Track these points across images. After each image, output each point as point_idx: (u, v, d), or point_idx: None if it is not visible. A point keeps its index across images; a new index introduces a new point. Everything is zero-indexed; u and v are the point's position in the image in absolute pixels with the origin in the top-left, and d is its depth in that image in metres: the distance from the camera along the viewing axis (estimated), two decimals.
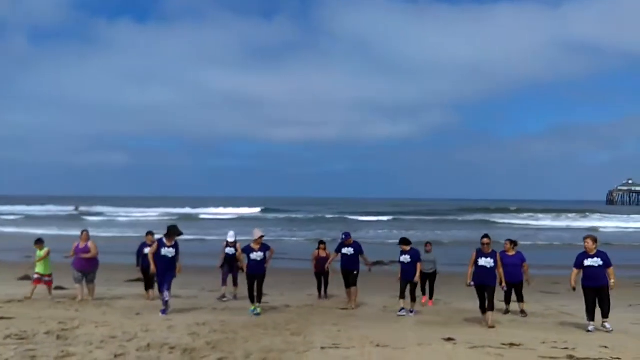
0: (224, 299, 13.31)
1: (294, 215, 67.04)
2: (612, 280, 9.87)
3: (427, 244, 13.75)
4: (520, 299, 11.84)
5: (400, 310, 11.54)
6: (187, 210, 73.11)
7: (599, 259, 9.90)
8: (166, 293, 11.01)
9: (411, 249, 11.77)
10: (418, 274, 11.65)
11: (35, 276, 12.81)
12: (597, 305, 9.95)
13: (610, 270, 9.91)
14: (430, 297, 13.33)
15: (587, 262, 9.94)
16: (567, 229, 48.33)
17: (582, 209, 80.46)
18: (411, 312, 11.58)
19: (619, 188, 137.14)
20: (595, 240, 10.13)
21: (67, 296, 13.17)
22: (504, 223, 56.00)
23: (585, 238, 10.25)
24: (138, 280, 16.09)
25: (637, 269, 21.85)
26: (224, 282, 13.66)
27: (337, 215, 65.91)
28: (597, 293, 9.91)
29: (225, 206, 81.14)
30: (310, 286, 14.91)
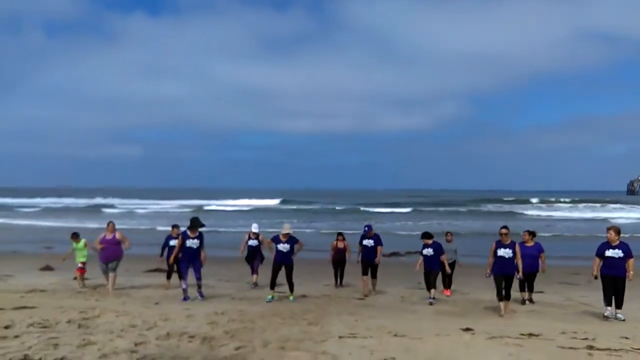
0: (253, 287, 13.78)
1: (309, 207, 67.09)
2: (631, 272, 9.93)
3: (447, 233, 13.92)
4: (530, 289, 12.00)
5: (430, 298, 11.76)
6: (203, 202, 73.43)
7: (620, 251, 10.01)
8: (198, 280, 11.76)
9: (433, 242, 12.08)
10: (447, 265, 12.21)
11: (80, 265, 13.34)
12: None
13: (630, 262, 9.97)
14: (449, 287, 13.32)
15: (609, 253, 10.05)
16: (586, 220, 47.73)
17: (603, 199, 79.61)
18: (431, 300, 11.73)
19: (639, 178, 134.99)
20: (618, 232, 10.21)
21: (88, 286, 13.36)
22: (521, 214, 55.48)
23: (608, 229, 10.32)
24: (156, 270, 16.35)
25: None
26: (253, 271, 14.09)
27: (350, 207, 65.69)
28: (614, 283, 10.02)
29: (239, 198, 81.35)
30: (327, 277, 14.94)
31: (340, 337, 8.05)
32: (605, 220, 42.04)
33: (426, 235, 12.24)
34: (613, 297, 10.07)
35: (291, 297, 11.98)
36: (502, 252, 10.57)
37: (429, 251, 11.94)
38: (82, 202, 74.97)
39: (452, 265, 13.13)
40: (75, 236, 13.51)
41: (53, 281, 14.18)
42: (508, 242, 10.63)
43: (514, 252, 10.58)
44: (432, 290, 11.86)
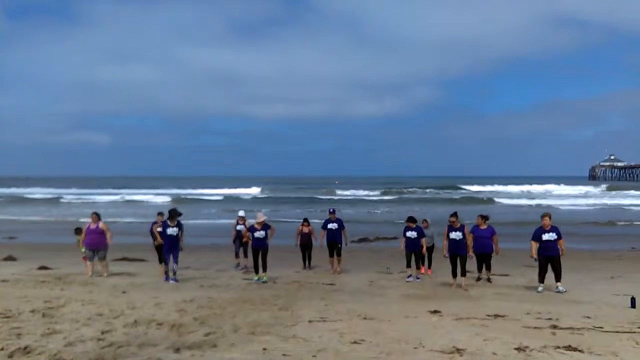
0: (239, 268, 14.85)
1: (279, 195, 66.89)
2: (562, 249, 11.35)
3: (424, 221, 14.51)
4: (488, 268, 12.83)
5: (408, 277, 12.87)
6: (173, 190, 72.33)
7: (554, 234, 11.36)
8: (175, 265, 12.50)
9: (417, 226, 13.21)
10: (424, 247, 13.17)
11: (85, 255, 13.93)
12: (551, 271, 11.35)
13: (561, 242, 11.37)
14: (429, 267, 14.19)
15: (545, 237, 11.37)
16: (545, 207, 48.92)
17: (566, 183, 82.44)
18: (417, 278, 12.92)
19: (601, 164, 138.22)
20: (550, 218, 11.55)
21: (52, 275, 13.08)
22: (490, 200, 56.80)
23: (542, 216, 11.74)
24: (123, 259, 16.22)
25: (619, 242, 22.25)
26: (237, 255, 15.33)
27: (309, 196, 65.59)
28: (552, 262, 11.32)
29: (209, 187, 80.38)
30: (296, 264, 14.99)
31: (310, 321, 8.08)
32: (549, 206, 43.36)
33: (411, 219, 13.31)
34: (546, 275, 11.33)
35: (264, 278, 12.66)
36: (453, 235, 12.00)
37: (412, 234, 12.99)
38: (45, 191, 72.93)
39: (431, 248, 14.06)
40: (79, 230, 14.91)
41: (16, 271, 13.83)
42: (458, 226, 12.01)
43: (464, 234, 11.96)
44: (415, 270, 12.98)
